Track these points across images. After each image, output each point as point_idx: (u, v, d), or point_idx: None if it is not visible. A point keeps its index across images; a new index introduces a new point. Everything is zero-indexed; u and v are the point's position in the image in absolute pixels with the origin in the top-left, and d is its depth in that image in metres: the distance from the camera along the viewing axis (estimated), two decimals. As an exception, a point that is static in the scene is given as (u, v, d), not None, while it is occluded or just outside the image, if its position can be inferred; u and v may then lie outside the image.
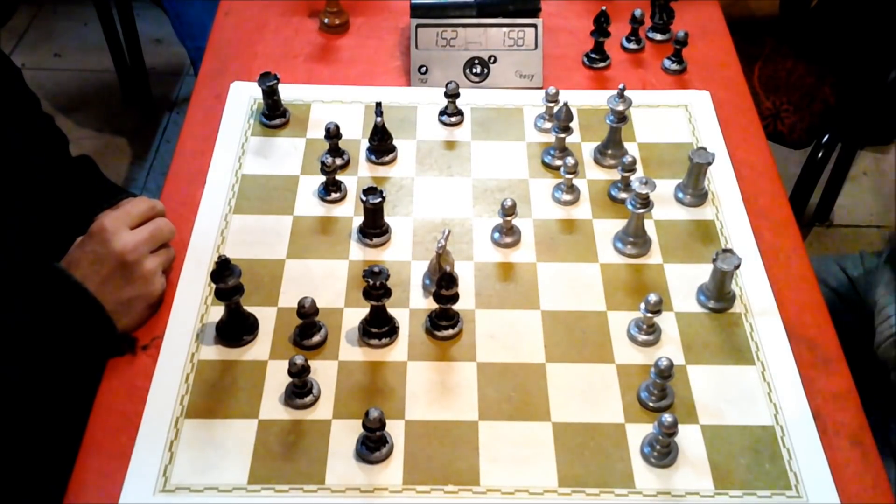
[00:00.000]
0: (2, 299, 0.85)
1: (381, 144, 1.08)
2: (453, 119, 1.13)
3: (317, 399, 0.85)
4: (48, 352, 0.84)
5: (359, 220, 1.01)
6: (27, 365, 0.83)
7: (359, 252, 0.99)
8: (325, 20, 1.27)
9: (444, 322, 0.90)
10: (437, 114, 1.14)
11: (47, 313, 0.84)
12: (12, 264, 0.89)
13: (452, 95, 1.11)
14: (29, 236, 0.94)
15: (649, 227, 1.01)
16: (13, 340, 0.83)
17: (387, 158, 1.08)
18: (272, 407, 0.84)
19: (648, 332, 0.90)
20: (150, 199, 0.93)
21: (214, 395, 0.85)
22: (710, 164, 1.01)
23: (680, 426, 0.80)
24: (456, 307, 0.90)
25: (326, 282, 0.95)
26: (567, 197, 1.04)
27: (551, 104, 1.11)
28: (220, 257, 0.85)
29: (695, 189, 1.04)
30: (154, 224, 0.90)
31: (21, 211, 0.98)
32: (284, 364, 0.82)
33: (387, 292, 0.87)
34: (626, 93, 1.06)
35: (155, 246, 0.90)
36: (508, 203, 0.96)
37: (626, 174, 1.02)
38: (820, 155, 1.70)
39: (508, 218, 0.97)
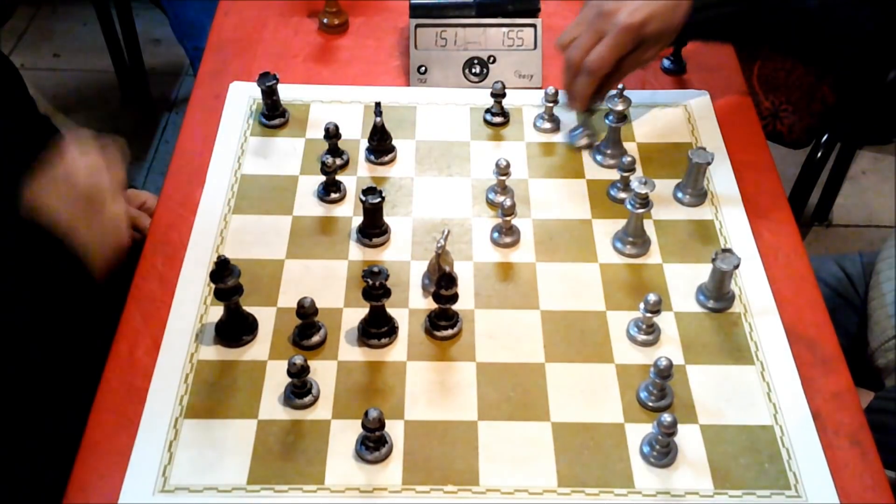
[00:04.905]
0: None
1: (381, 144, 1.08)
2: (498, 119, 1.13)
3: (316, 399, 0.85)
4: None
5: (358, 220, 1.01)
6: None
7: (358, 252, 0.99)
8: (325, 20, 1.27)
9: (443, 322, 0.90)
10: (483, 112, 1.14)
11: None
12: (11, 261, 0.89)
13: (498, 95, 1.11)
14: (24, 235, 0.94)
15: (648, 226, 1.01)
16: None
17: (386, 158, 1.08)
18: (271, 407, 0.84)
19: (648, 332, 0.90)
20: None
21: (214, 396, 0.85)
22: (709, 163, 1.01)
23: (679, 426, 0.80)
24: (455, 307, 0.90)
25: (326, 282, 0.95)
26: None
27: (551, 104, 1.11)
28: (219, 257, 0.85)
29: (694, 189, 1.04)
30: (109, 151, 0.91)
31: (16, 209, 0.97)
32: (284, 364, 0.82)
33: (386, 292, 0.87)
34: (626, 93, 1.06)
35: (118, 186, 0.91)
36: (508, 203, 0.96)
37: (625, 174, 1.02)
38: (819, 155, 1.70)
39: (508, 218, 0.97)
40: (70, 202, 0.87)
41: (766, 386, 0.87)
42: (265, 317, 0.91)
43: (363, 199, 0.95)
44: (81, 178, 0.87)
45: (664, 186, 1.05)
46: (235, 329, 0.89)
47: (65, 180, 0.87)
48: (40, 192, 0.88)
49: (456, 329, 0.91)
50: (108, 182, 0.89)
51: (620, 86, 1.06)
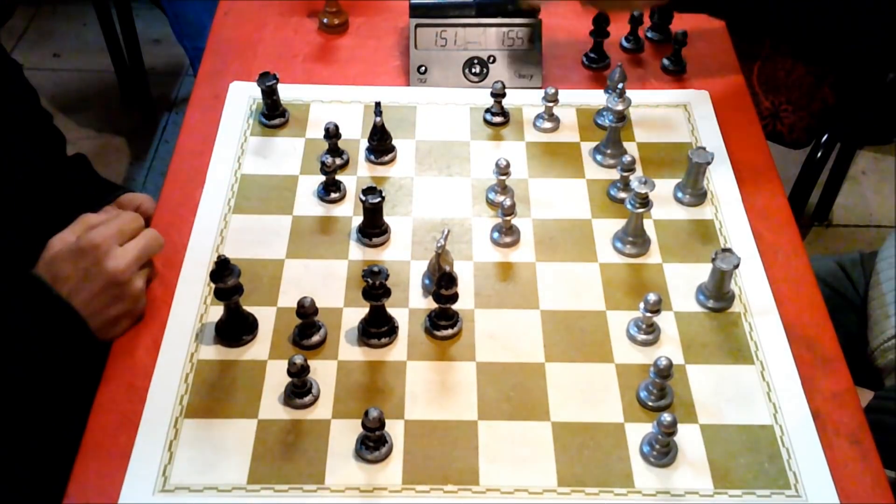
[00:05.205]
0: None
1: (381, 144, 1.08)
2: (498, 119, 1.13)
3: (316, 399, 0.85)
4: (28, 363, 0.84)
5: (358, 219, 1.01)
6: (5, 373, 0.83)
7: (358, 252, 0.99)
8: (325, 20, 1.27)
9: (443, 322, 0.90)
10: (483, 112, 1.14)
11: (30, 327, 0.84)
12: (4, 265, 0.89)
13: (498, 95, 1.11)
14: (23, 237, 0.94)
15: (648, 226, 1.01)
16: None
17: (386, 158, 1.08)
18: (271, 407, 0.84)
19: (648, 332, 0.90)
20: (139, 217, 0.91)
21: (214, 395, 0.85)
22: (709, 163, 1.01)
23: (679, 426, 0.80)
24: (455, 307, 0.90)
25: (326, 282, 0.95)
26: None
27: (550, 104, 1.11)
28: (219, 257, 0.85)
29: (694, 189, 1.04)
30: (145, 241, 0.89)
31: (16, 211, 0.97)
32: (284, 364, 0.82)
33: (386, 292, 0.87)
34: (626, 93, 1.06)
35: (144, 263, 0.89)
36: (508, 203, 0.96)
37: (625, 174, 1.02)
38: (819, 154, 1.70)
39: (508, 218, 0.97)
40: (92, 283, 0.84)
41: (766, 386, 0.87)
42: (265, 316, 0.91)
43: (363, 198, 0.95)
44: (110, 259, 0.84)
45: (664, 186, 1.05)
46: (235, 329, 0.89)
47: (91, 254, 0.84)
48: (63, 261, 0.85)
49: (456, 329, 0.91)
50: (136, 260, 0.87)
51: (620, 85, 1.06)
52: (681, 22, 1.27)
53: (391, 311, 0.90)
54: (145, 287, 0.90)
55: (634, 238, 0.98)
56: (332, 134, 1.04)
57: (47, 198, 1.01)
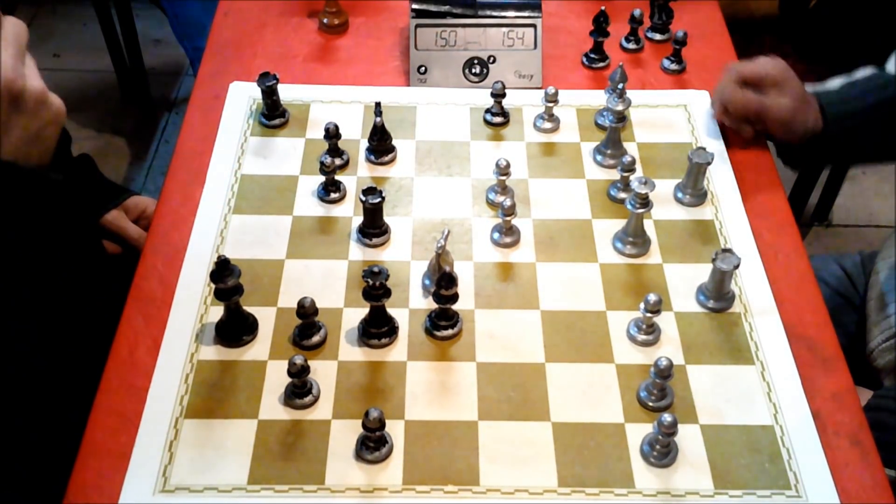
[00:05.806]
0: None
1: (381, 144, 1.08)
2: (498, 119, 1.13)
3: (316, 399, 0.85)
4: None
5: (358, 220, 1.01)
6: None
7: (358, 252, 0.99)
8: (325, 20, 1.27)
9: (443, 322, 0.90)
10: (483, 112, 1.14)
11: None
12: (13, 266, 0.89)
13: (498, 95, 1.11)
14: (28, 236, 0.94)
15: (649, 226, 1.01)
16: None
17: (386, 158, 1.08)
18: (272, 407, 0.84)
19: (648, 332, 0.90)
20: None
21: (214, 396, 0.85)
22: (709, 163, 1.01)
23: (679, 426, 0.80)
24: (455, 307, 0.90)
25: (326, 282, 0.95)
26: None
27: (550, 104, 1.11)
28: (219, 257, 0.85)
29: (694, 189, 1.04)
30: (12, 32, 0.77)
31: (21, 211, 0.97)
32: (284, 364, 0.82)
33: (386, 292, 0.87)
34: (626, 93, 1.06)
35: (24, 55, 0.78)
36: (508, 203, 0.96)
37: (625, 174, 1.02)
38: (819, 155, 1.70)
39: (508, 218, 0.97)
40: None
41: (766, 386, 0.87)
42: (265, 317, 0.91)
43: (363, 199, 0.95)
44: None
45: (664, 186, 1.05)
46: (235, 329, 0.89)
47: None
48: None
49: (456, 329, 0.91)
50: (16, 59, 0.76)
51: (620, 85, 1.06)
52: (681, 22, 1.27)
53: (391, 311, 0.90)
54: (44, 85, 0.79)
55: (634, 238, 0.98)
56: (332, 134, 1.04)
57: (51, 198, 1.01)
